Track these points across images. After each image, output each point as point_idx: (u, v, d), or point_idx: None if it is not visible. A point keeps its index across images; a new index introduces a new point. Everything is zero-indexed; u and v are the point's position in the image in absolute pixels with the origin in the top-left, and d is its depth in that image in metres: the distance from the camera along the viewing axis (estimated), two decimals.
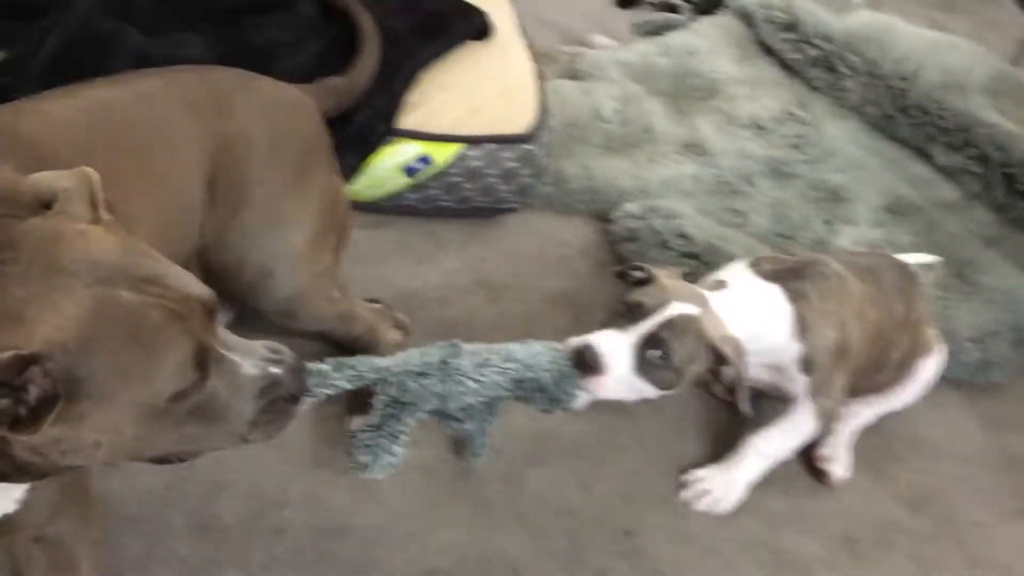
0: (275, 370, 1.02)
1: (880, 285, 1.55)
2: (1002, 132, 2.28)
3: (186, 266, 1.43)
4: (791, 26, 2.57)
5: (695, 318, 1.34)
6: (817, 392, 1.47)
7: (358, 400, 1.48)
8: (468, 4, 2.06)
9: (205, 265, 1.41)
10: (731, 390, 1.37)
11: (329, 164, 1.57)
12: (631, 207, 1.97)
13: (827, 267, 1.47)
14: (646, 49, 2.49)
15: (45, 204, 0.97)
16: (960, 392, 1.86)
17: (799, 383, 1.47)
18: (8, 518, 1.08)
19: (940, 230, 2.16)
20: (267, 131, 1.44)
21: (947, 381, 1.85)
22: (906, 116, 2.41)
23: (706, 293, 1.41)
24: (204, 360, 0.94)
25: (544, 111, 1.94)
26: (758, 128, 2.34)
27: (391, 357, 1.30)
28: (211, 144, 1.38)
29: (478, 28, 2.03)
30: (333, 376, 1.25)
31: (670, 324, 1.33)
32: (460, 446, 1.47)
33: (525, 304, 1.79)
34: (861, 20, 2.57)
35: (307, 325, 1.48)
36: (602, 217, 2.02)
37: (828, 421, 1.51)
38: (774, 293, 1.44)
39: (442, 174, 1.84)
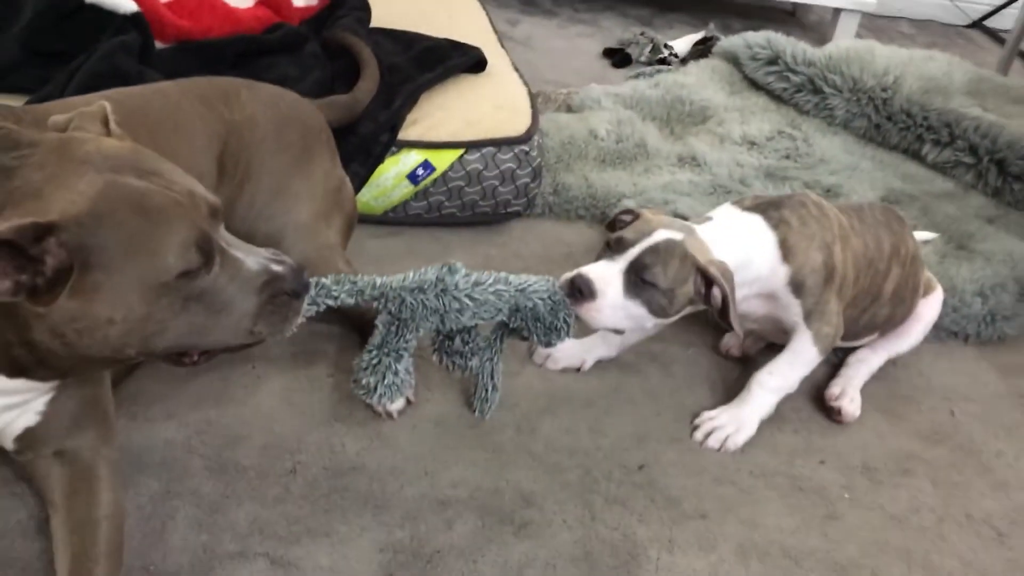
0: (276, 267, 1.09)
1: (862, 218, 1.59)
2: (987, 122, 2.36)
3: None
4: (774, 60, 2.71)
5: (679, 242, 1.39)
6: (812, 316, 1.49)
7: None
8: (463, 43, 2.21)
9: None
10: (723, 312, 1.40)
11: (332, 155, 1.67)
12: (630, 203, 2.05)
13: (806, 197, 1.52)
14: (637, 84, 2.63)
15: (62, 130, 1.08)
16: (971, 346, 1.88)
17: (793, 309, 1.50)
18: (30, 431, 1.14)
19: (938, 213, 2.21)
20: (272, 118, 1.56)
21: (956, 336, 1.88)
22: (892, 123, 2.51)
23: (691, 224, 1.47)
24: (206, 245, 1.01)
25: (536, 123, 2.05)
26: (751, 144, 2.44)
27: (389, 276, 1.35)
28: (221, 129, 1.50)
29: (474, 61, 2.17)
30: (333, 288, 1.31)
31: (655, 248, 1.38)
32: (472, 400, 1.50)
33: None
34: (840, 46, 2.70)
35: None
36: (603, 220, 2.10)
37: (828, 345, 1.52)
38: (755, 221, 1.48)
39: (444, 179, 1.94)
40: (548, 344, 1.41)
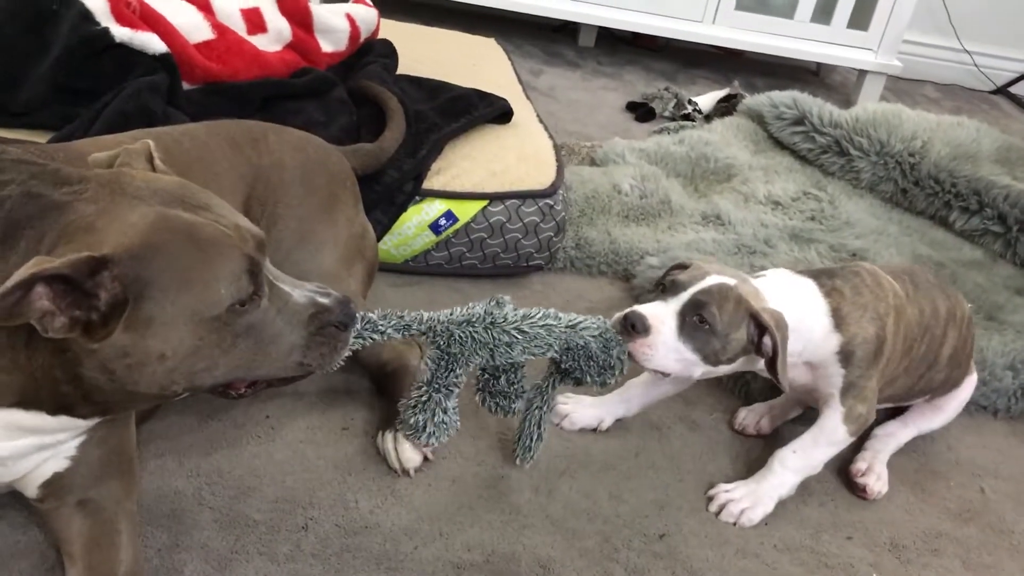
0: (323, 299, 1.07)
1: (916, 283, 1.54)
2: (1016, 191, 2.33)
3: None
4: (800, 120, 2.70)
5: (734, 286, 1.35)
6: (849, 391, 1.45)
7: (390, 415, 1.50)
8: (490, 93, 2.20)
9: None
10: (772, 364, 1.35)
11: (356, 202, 1.66)
12: (653, 260, 2.02)
13: (860, 268, 1.49)
14: (661, 140, 2.62)
15: (107, 167, 1.07)
16: (1001, 421, 1.83)
17: (834, 380, 1.45)
18: (58, 477, 1.12)
19: (966, 282, 2.18)
20: (298, 163, 1.55)
21: (986, 410, 1.84)
22: (920, 188, 2.49)
23: (744, 275, 1.43)
24: (256, 275, 1.00)
25: (562, 176, 2.03)
26: (775, 204, 2.41)
27: (436, 312, 1.32)
28: (248, 172, 1.49)
29: (500, 111, 2.17)
30: (379, 323, 1.28)
31: (709, 290, 1.35)
32: (510, 448, 1.47)
33: None
34: (867, 109, 2.69)
35: None
36: (625, 277, 2.08)
37: (859, 427, 1.48)
38: (809, 285, 1.44)
39: (467, 230, 1.92)
40: (603, 384, 1.37)
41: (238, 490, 1.36)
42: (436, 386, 1.30)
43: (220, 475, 1.38)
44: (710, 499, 1.50)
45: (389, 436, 1.47)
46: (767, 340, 1.34)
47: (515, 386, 1.39)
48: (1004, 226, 2.34)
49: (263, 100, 2.01)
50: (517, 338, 1.29)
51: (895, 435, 1.65)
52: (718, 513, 1.47)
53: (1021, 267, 2.28)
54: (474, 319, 1.28)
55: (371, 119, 2.02)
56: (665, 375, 1.41)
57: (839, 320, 1.42)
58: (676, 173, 2.46)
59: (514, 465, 1.49)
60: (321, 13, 2.20)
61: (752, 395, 1.73)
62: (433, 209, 1.91)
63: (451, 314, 1.30)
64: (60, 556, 1.19)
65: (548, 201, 1.96)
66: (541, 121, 2.27)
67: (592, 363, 1.34)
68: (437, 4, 3.62)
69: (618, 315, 1.36)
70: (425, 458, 1.45)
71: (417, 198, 1.91)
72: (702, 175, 2.49)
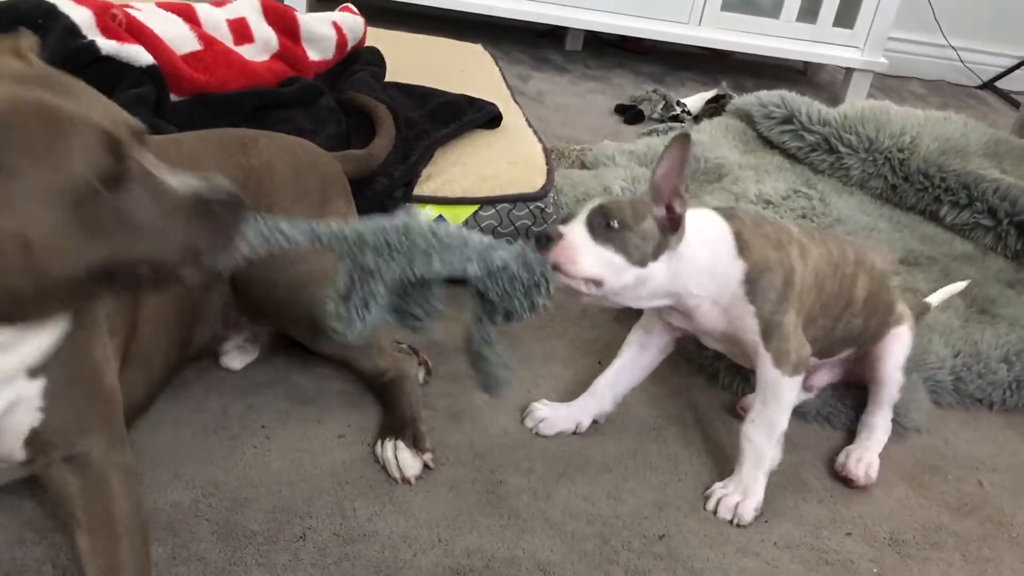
0: (206, 184, 1.03)
1: (823, 234, 1.57)
2: (1006, 184, 2.34)
3: (219, 285, 1.51)
4: (788, 119, 2.70)
5: (621, 195, 1.37)
6: (769, 332, 1.42)
7: (389, 424, 1.50)
8: (479, 98, 2.21)
9: (240, 284, 1.48)
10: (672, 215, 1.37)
11: (348, 203, 1.66)
12: None
13: (757, 211, 1.51)
14: (651, 141, 2.62)
15: None
16: (997, 414, 1.83)
17: (748, 321, 1.42)
18: (36, 432, 1.11)
19: (958, 275, 2.18)
20: (290, 165, 1.55)
21: (982, 403, 1.84)
22: (909, 184, 2.49)
23: None
24: (118, 151, 0.96)
25: (552, 179, 2.04)
26: (766, 203, 2.41)
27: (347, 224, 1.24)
28: (238, 175, 1.49)
29: (489, 116, 2.17)
30: (286, 229, 1.18)
31: (602, 201, 1.38)
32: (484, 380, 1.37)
33: (548, 349, 1.82)
34: (855, 106, 2.70)
35: (335, 348, 1.52)
36: None
37: (793, 365, 1.43)
38: (708, 214, 1.45)
39: None
40: (532, 308, 1.27)
41: (235, 501, 1.35)
42: (354, 301, 1.21)
43: (216, 486, 1.37)
44: (705, 499, 1.49)
45: (388, 444, 1.46)
46: (677, 203, 1.36)
47: (425, 305, 1.28)
48: (994, 219, 2.35)
49: (252, 110, 2.01)
50: (434, 246, 1.20)
51: (869, 424, 1.65)
52: (715, 511, 1.47)
53: (1012, 260, 2.29)
54: (387, 226, 1.20)
55: (360, 127, 2.02)
56: (598, 285, 1.35)
57: (742, 244, 1.41)
58: None
59: (513, 470, 1.49)
60: (308, 22, 2.20)
61: (749, 389, 1.73)
62: (424, 215, 1.91)
63: (361, 224, 1.22)
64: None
65: (539, 204, 1.96)
66: (530, 125, 2.28)
67: (517, 284, 1.25)
68: (423, 11, 3.62)
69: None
70: (425, 465, 1.45)
71: (408, 205, 1.90)
72: (692, 176, 2.49)
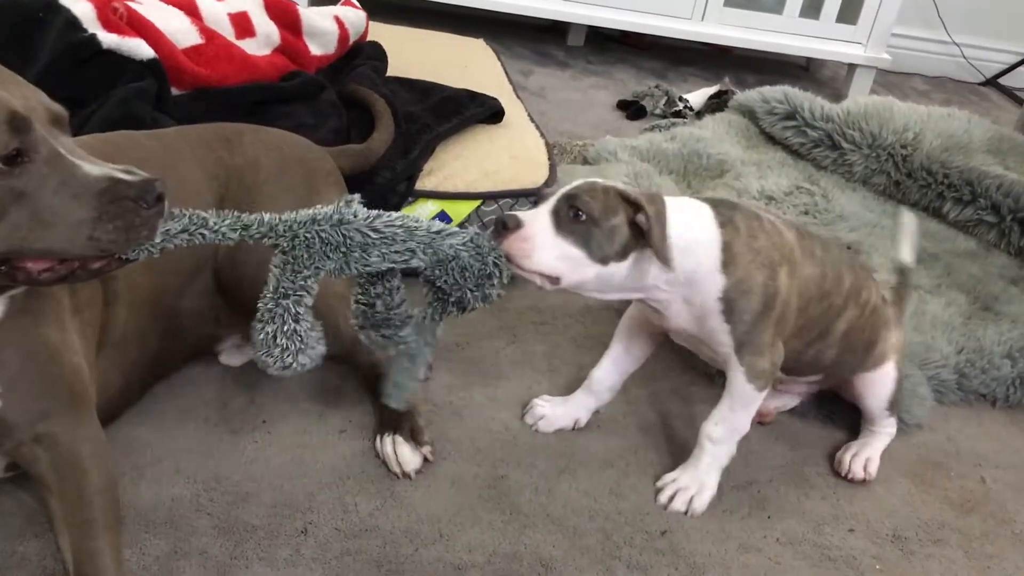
0: (120, 175, 1.01)
1: (827, 250, 1.47)
2: (1009, 180, 2.33)
3: (206, 284, 1.49)
4: (791, 115, 2.69)
5: (603, 181, 1.29)
6: (744, 348, 1.37)
7: (386, 418, 1.49)
8: (481, 93, 2.20)
9: (225, 283, 1.47)
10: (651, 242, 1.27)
11: (340, 197, 1.64)
12: None
13: (763, 212, 1.41)
14: (653, 137, 2.62)
15: None
16: (1000, 410, 1.83)
17: (721, 337, 1.37)
18: None
19: (961, 272, 2.17)
20: (275, 160, 1.54)
21: (985, 399, 1.83)
22: (912, 180, 2.48)
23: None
24: (24, 132, 0.95)
25: (555, 174, 2.03)
26: (769, 199, 2.41)
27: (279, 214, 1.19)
28: (221, 172, 1.48)
29: (491, 111, 2.16)
30: (211, 221, 1.14)
31: (578, 187, 1.29)
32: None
33: (549, 345, 1.81)
34: (858, 102, 2.69)
35: (329, 343, 1.51)
36: None
37: (765, 381, 1.40)
38: (705, 212, 1.35)
39: None
40: (485, 299, 1.25)
41: (236, 496, 1.35)
42: (283, 292, 1.15)
43: (217, 481, 1.37)
44: (658, 490, 1.48)
45: (388, 439, 1.46)
46: (642, 217, 1.27)
47: (395, 311, 1.26)
48: (998, 216, 2.34)
49: (252, 104, 2.00)
50: (372, 238, 1.15)
51: (870, 429, 1.63)
52: (667, 504, 1.46)
53: (1015, 256, 2.28)
54: (320, 217, 1.15)
55: (361, 122, 2.01)
56: (554, 281, 1.28)
57: (728, 257, 1.32)
58: (669, 170, 2.46)
59: (514, 465, 1.48)
60: (309, 16, 2.20)
61: None
62: (426, 210, 1.90)
63: (295, 214, 1.17)
64: (57, 565, 1.18)
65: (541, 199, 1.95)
66: (532, 120, 2.27)
67: (467, 274, 1.20)
68: (425, 6, 3.61)
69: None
70: (425, 459, 1.45)
71: (410, 199, 1.90)
72: (695, 171, 2.49)
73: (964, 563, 1.44)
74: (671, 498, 1.46)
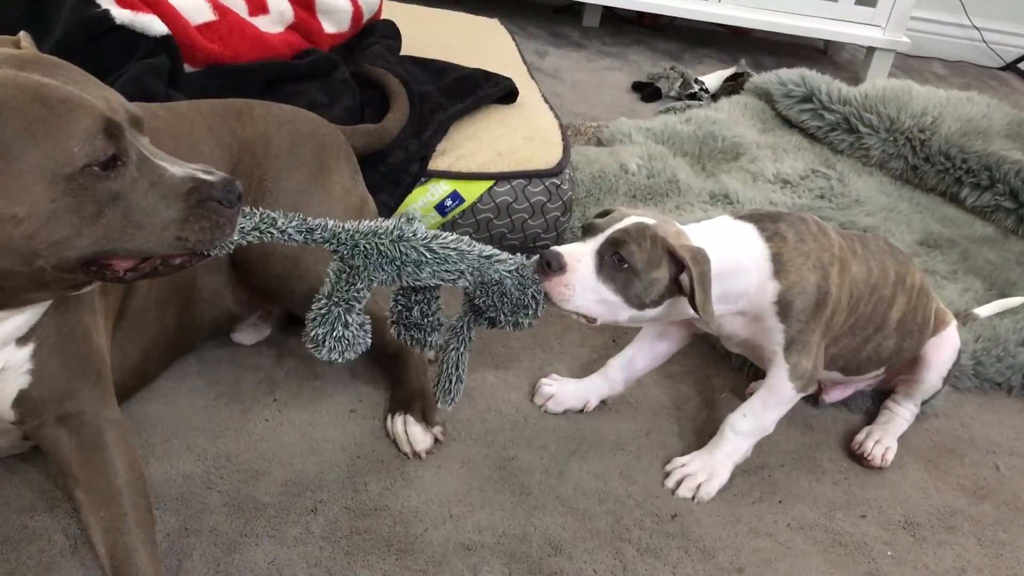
0: (203, 176, 1.03)
1: (866, 244, 1.49)
2: None
3: (221, 263, 1.49)
4: (808, 97, 2.67)
5: (652, 225, 1.31)
6: (792, 347, 1.39)
7: (398, 398, 1.49)
8: (495, 73, 2.18)
9: (237, 259, 1.47)
10: (692, 299, 1.28)
11: (353, 173, 1.64)
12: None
13: (807, 215, 1.43)
14: (668, 119, 2.60)
15: None
16: (1015, 398, 1.82)
17: (775, 336, 1.39)
18: (25, 394, 1.11)
19: (978, 258, 2.16)
20: (286, 135, 1.53)
21: (1000, 387, 1.82)
22: (930, 164, 2.46)
23: (673, 220, 1.37)
24: (116, 136, 0.96)
25: (568, 155, 2.01)
26: (784, 182, 2.39)
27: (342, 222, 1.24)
28: (232, 143, 1.48)
29: (505, 91, 2.14)
30: (279, 221, 1.19)
31: (627, 230, 1.30)
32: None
33: (560, 326, 1.80)
34: (876, 85, 2.66)
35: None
36: None
37: (805, 383, 1.42)
38: (748, 230, 1.38)
39: (472, 210, 1.90)
40: (516, 325, 1.29)
41: (246, 473, 1.35)
42: (336, 299, 1.20)
43: (228, 459, 1.37)
44: (667, 474, 1.47)
45: (399, 419, 1.46)
46: (684, 277, 1.29)
47: (429, 318, 1.31)
48: (1016, 202, 2.31)
49: (265, 82, 1.99)
50: (426, 257, 1.21)
51: (893, 410, 1.63)
52: (674, 489, 1.45)
53: None
54: (381, 231, 1.20)
55: (375, 100, 2.00)
56: (590, 321, 1.33)
57: (779, 266, 1.36)
58: (683, 152, 2.44)
59: (525, 446, 1.48)
60: None
61: (761, 373, 1.71)
62: (439, 190, 1.89)
63: (358, 225, 1.22)
64: (71, 543, 1.19)
65: (555, 180, 1.94)
66: (547, 101, 2.25)
67: (506, 300, 1.25)
68: None
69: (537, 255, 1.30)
70: (435, 440, 1.44)
71: (423, 179, 1.89)
72: (710, 154, 2.47)
73: (977, 550, 1.43)
74: (678, 483, 1.45)
